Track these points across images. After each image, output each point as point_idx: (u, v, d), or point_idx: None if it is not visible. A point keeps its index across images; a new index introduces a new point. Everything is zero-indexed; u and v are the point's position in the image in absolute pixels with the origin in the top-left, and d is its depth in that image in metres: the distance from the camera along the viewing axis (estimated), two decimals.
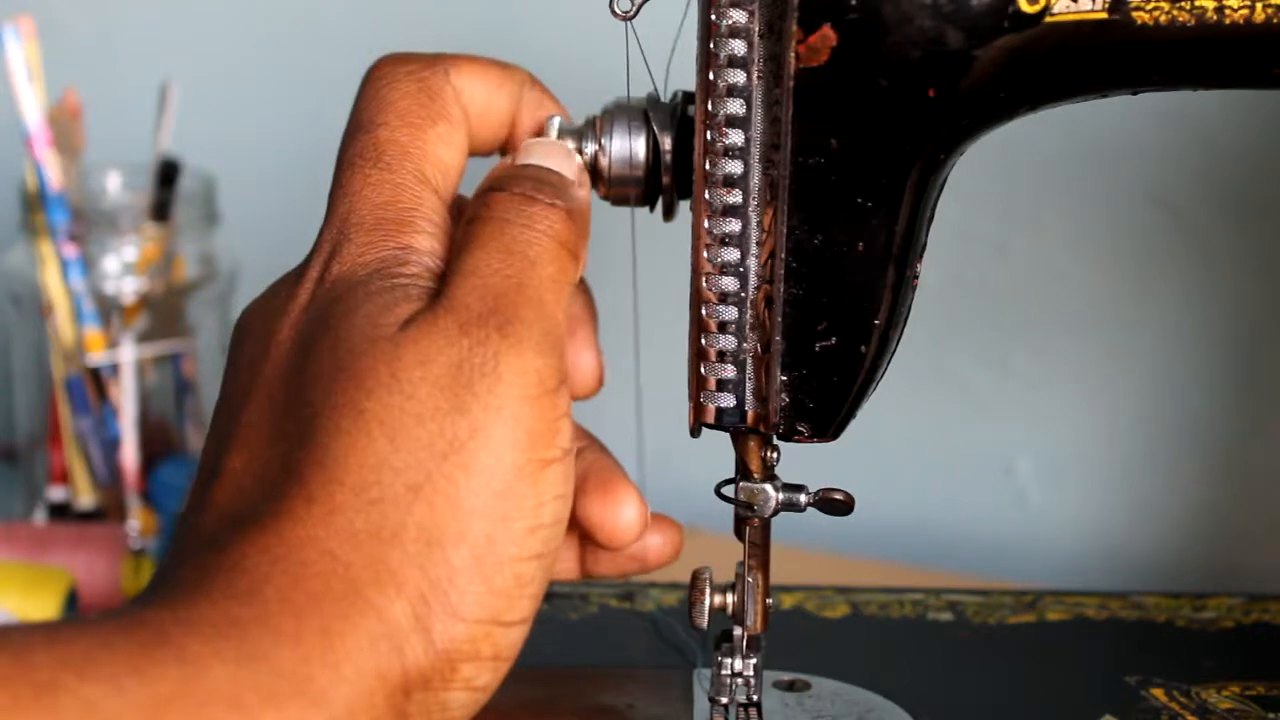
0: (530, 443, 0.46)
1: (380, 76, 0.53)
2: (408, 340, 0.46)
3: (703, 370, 0.54)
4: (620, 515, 0.54)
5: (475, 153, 0.54)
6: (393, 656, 0.44)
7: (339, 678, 0.43)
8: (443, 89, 0.52)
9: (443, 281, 0.49)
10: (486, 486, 0.46)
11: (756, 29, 0.51)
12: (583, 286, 0.57)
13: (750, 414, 0.54)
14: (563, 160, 0.52)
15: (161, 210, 0.94)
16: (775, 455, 0.56)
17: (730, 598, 0.57)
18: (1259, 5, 0.49)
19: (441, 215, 0.51)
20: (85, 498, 0.94)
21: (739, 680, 0.58)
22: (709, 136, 0.52)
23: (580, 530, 0.55)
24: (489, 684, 0.47)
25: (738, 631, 0.58)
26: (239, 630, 0.43)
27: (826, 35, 0.49)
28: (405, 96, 0.52)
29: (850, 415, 0.53)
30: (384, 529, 0.45)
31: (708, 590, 0.57)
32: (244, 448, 0.48)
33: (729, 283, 0.53)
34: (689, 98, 0.54)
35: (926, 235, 0.52)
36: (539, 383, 0.47)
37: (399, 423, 0.46)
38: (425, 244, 0.50)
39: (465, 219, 0.50)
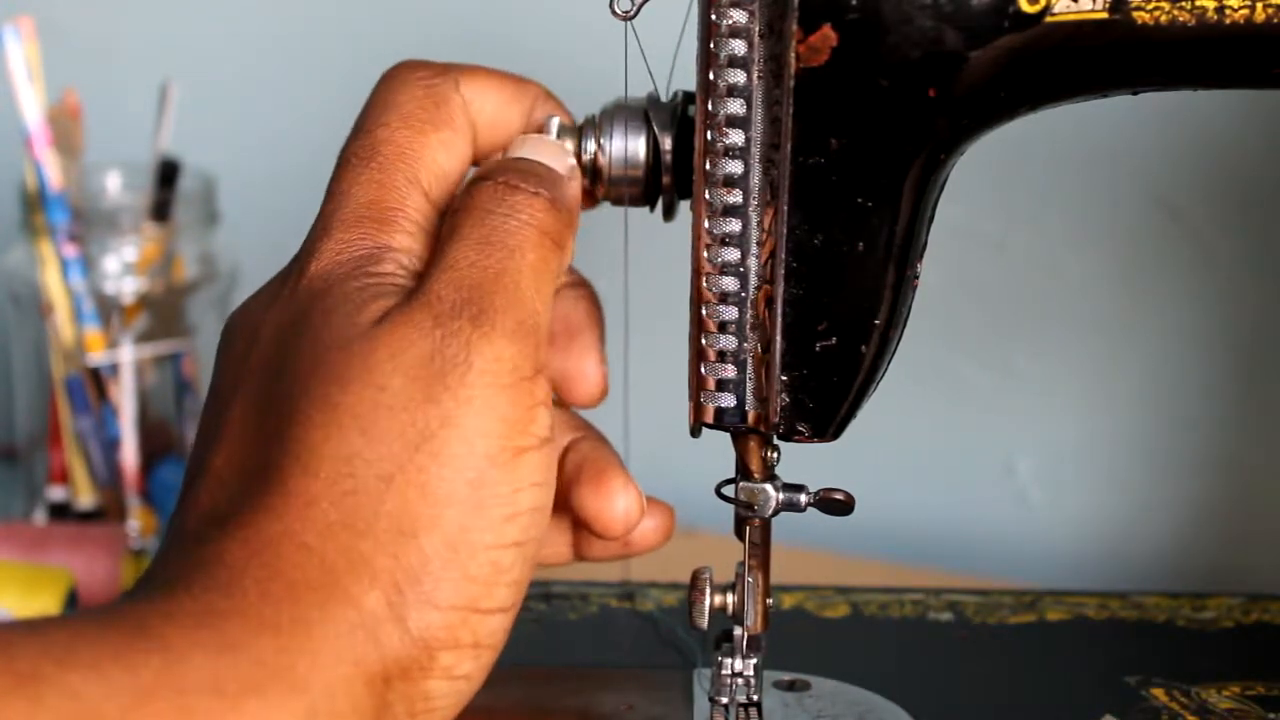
0: (504, 430, 0.46)
1: (391, 80, 0.53)
2: (382, 334, 0.47)
3: (703, 370, 0.54)
4: (615, 506, 0.54)
5: (480, 162, 0.54)
6: (369, 645, 0.45)
7: (317, 665, 0.44)
8: (450, 97, 0.53)
9: (421, 277, 0.49)
10: (458, 475, 0.46)
11: (757, 29, 0.51)
12: (588, 293, 0.57)
13: (750, 414, 0.54)
14: (554, 155, 0.52)
15: (161, 210, 0.94)
16: (775, 455, 0.56)
17: (730, 598, 0.57)
18: (1259, 5, 0.49)
19: (427, 217, 0.51)
20: (85, 498, 0.94)
21: (739, 680, 0.58)
22: (709, 136, 0.52)
23: (576, 520, 0.55)
24: (471, 673, 0.47)
25: (738, 631, 0.58)
26: (219, 621, 0.43)
27: (827, 35, 0.49)
28: (411, 100, 0.52)
29: (850, 415, 0.53)
30: (358, 520, 0.45)
31: (708, 590, 0.57)
32: (226, 445, 0.48)
33: (729, 283, 0.53)
34: (689, 98, 0.54)
35: (926, 235, 0.52)
36: (512, 370, 0.47)
37: (371, 415, 0.46)
38: (404, 243, 0.50)
39: (450, 210, 0.51)
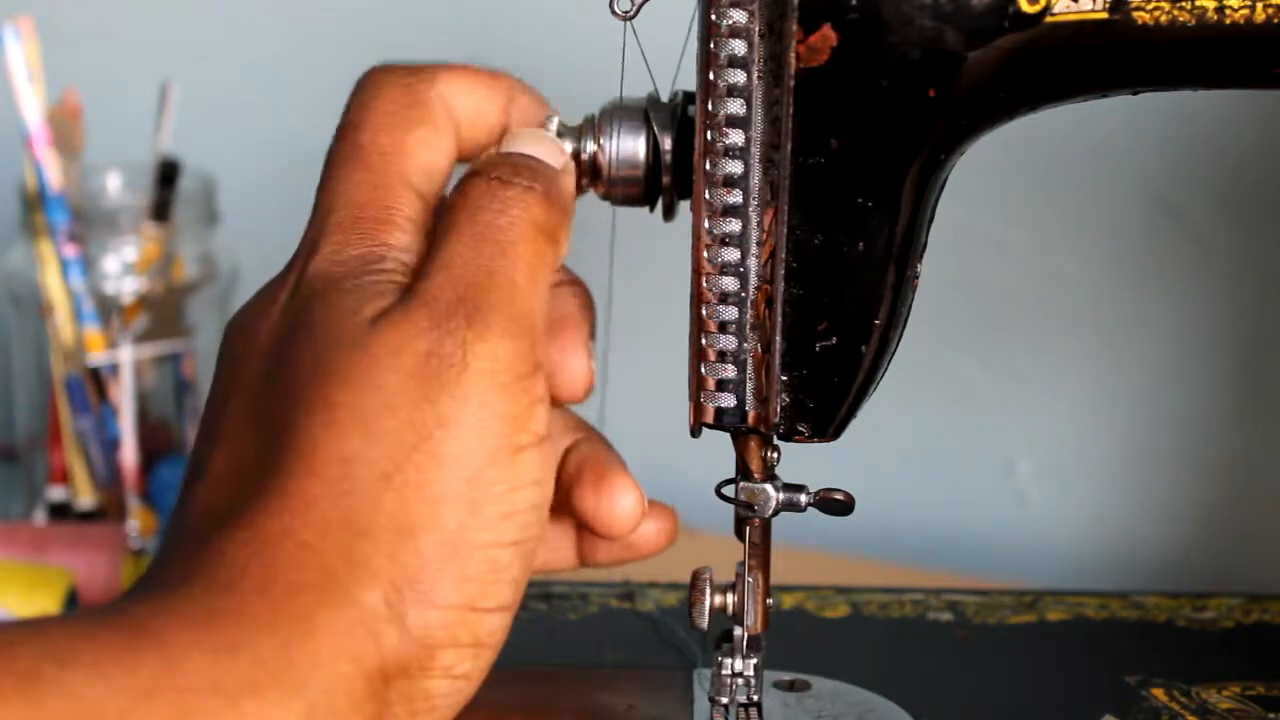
0: (502, 428, 0.47)
1: (367, 84, 0.53)
2: (380, 333, 0.47)
3: (703, 370, 0.54)
4: (616, 505, 0.54)
5: (467, 159, 0.54)
6: (369, 644, 0.45)
7: (317, 664, 0.44)
8: (427, 95, 0.53)
9: (416, 275, 0.49)
10: (455, 474, 0.46)
11: (757, 29, 0.51)
12: (581, 290, 0.57)
13: (750, 414, 0.54)
14: (549, 150, 0.52)
15: (161, 210, 0.94)
16: (775, 455, 0.56)
17: (730, 598, 0.57)
18: (1259, 5, 0.49)
19: (420, 213, 0.51)
20: (85, 498, 0.94)
21: (739, 680, 0.58)
22: (709, 136, 0.52)
23: (578, 521, 0.55)
24: (470, 672, 0.47)
25: (738, 631, 0.58)
26: (218, 620, 0.44)
27: (826, 35, 0.49)
28: (389, 102, 0.52)
29: (850, 415, 0.53)
30: (356, 520, 0.45)
31: (708, 590, 0.57)
32: (224, 444, 0.48)
33: (729, 283, 0.53)
34: (689, 98, 0.54)
35: (926, 235, 0.52)
36: (508, 368, 0.47)
37: (371, 414, 0.46)
38: (402, 241, 0.50)
39: (442, 207, 0.51)
